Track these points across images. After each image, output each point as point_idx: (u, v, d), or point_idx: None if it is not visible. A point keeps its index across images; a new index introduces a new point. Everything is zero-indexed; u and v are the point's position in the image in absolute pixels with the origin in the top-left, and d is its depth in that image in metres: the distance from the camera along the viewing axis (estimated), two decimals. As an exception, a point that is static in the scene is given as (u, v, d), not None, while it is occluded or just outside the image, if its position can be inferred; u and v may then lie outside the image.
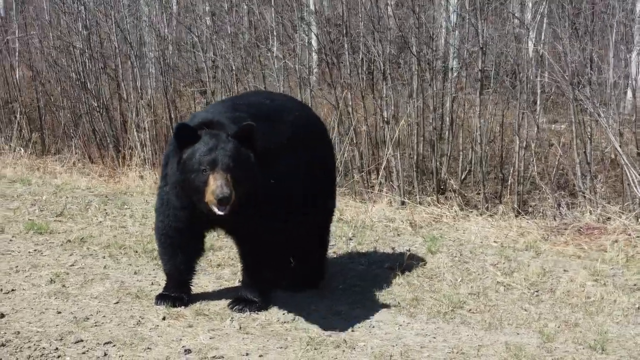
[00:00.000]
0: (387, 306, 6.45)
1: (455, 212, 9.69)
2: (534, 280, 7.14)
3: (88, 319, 5.97)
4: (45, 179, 11.34)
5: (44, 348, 5.43)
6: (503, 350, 5.62)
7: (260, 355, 5.44)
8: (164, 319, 6.02)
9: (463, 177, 10.70)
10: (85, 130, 13.25)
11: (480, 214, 9.67)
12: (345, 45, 11.08)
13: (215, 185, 5.52)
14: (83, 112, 13.22)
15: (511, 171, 10.35)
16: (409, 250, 7.95)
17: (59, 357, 5.33)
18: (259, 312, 6.18)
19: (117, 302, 6.35)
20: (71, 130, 13.50)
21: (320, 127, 7.14)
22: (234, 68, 11.86)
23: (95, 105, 13.00)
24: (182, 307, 6.24)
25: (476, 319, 6.25)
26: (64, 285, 6.69)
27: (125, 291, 6.61)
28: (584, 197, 9.51)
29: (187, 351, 5.45)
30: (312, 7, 12.20)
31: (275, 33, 12.41)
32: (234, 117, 5.96)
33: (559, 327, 6.09)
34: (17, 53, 14.54)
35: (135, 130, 12.43)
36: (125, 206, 9.54)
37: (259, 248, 6.21)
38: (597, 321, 6.23)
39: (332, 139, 10.44)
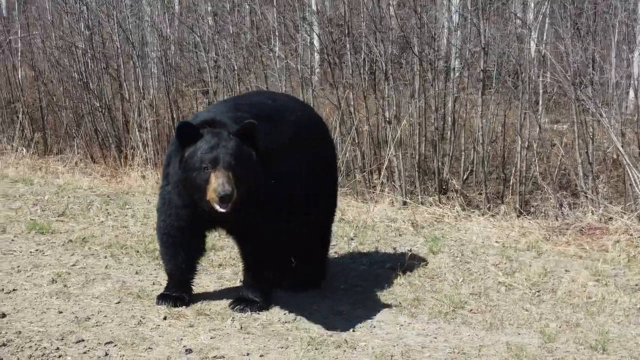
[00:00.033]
0: (388, 306, 6.45)
1: (457, 212, 9.69)
2: (535, 280, 7.14)
3: (89, 318, 5.97)
4: (48, 178, 11.35)
5: (45, 348, 5.43)
6: (504, 350, 5.62)
7: (261, 355, 5.44)
8: (165, 318, 6.02)
9: (465, 177, 10.69)
10: (88, 130, 13.25)
11: (482, 214, 9.66)
12: (347, 45, 11.09)
13: (217, 183, 5.52)
14: (85, 112, 13.23)
15: (513, 171, 10.34)
16: (411, 251, 7.95)
17: (60, 356, 5.33)
18: (260, 312, 6.18)
19: (118, 302, 6.35)
20: (73, 130, 13.51)
21: (322, 127, 7.15)
22: (236, 68, 11.86)
23: (98, 105, 13.01)
24: (183, 307, 6.25)
25: (477, 319, 6.25)
26: (65, 285, 6.69)
27: (127, 291, 6.61)
28: (586, 197, 9.51)
29: (188, 351, 5.46)
30: (314, 7, 12.20)
31: (277, 33, 12.41)
32: (235, 117, 5.96)
33: (560, 327, 6.10)
34: (19, 53, 14.55)
35: (137, 130, 12.44)
36: (127, 206, 9.54)
37: (260, 248, 6.21)
38: (599, 321, 6.24)
39: (334, 138, 10.45)
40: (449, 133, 10.81)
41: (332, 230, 7.39)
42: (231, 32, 12.15)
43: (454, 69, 11.17)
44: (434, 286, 6.99)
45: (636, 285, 7.07)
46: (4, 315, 5.96)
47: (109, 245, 7.87)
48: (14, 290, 6.57)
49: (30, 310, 6.13)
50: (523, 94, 10.16)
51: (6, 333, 5.63)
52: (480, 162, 10.54)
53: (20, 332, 5.66)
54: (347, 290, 6.92)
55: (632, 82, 10.54)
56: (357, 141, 10.91)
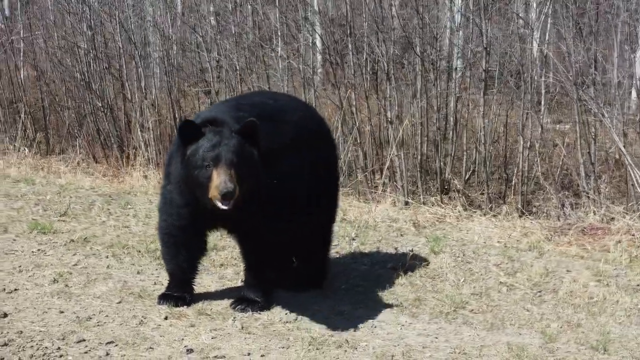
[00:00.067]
0: (389, 306, 6.45)
1: (459, 212, 9.68)
2: (536, 280, 7.14)
3: (90, 318, 5.98)
4: (49, 178, 11.35)
5: (46, 347, 5.43)
6: (505, 350, 5.62)
7: (262, 355, 5.44)
8: (166, 318, 6.02)
9: (467, 177, 10.69)
10: (90, 130, 13.26)
11: (484, 214, 9.66)
12: (349, 46, 11.09)
13: (219, 181, 5.53)
14: (87, 112, 13.24)
15: (515, 171, 10.34)
16: (412, 251, 7.94)
17: (61, 356, 5.33)
18: (261, 312, 6.18)
19: (119, 302, 6.35)
20: (75, 130, 13.53)
21: (324, 127, 7.16)
22: (238, 68, 11.86)
23: (100, 105, 13.01)
24: (185, 306, 6.24)
25: (478, 319, 6.25)
26: (66, 285, 6.69)
27: (128, 291, 6.61)
28: (588, 197, 9.50)
29: (189, 351, 5.46)
30: (316, 7, 12.20)
31: (279, 33, 12.41)
32: (237, 117, 5.96)
33: (561, 327, 6.09)
34: (21, 53, 14.56)
35: (139, 130, 12.45)
36: (129, 206, 9.55)
37: (261, 248, 6.21)
38: (600, 321, 6.23)
39: (336, 138, 10.46)
40: (451, 133, 10.81)
41: (334, 230, 7.38)
42: (233, 32, 12.15)
43: (456, 69, 11.17)
44: (435, 286, 6.99)
45: (638, 285, 7.06)
46: (5, 315, 5.96)
47: (111, 245, 7.87)
48: (15, 290, 6.56)
49: (32, 310, 6.13)
50: (525, 94, 10.16)
51: (7, 333, 5.63)
52: (482, 162, 10.54)
53: (21, 332, 5.66)
54: (348, 290, 6.92)
55: (634, 82, 10.55)
56: (359, 141, 10.91)
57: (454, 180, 10.64)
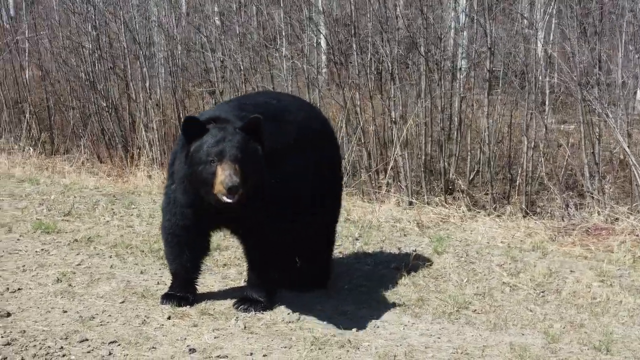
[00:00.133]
0: (392, 306, 6.44)
1: (463, 212, 9.68)
2: (540, 280, 7.13)
3: (94, 318, 5.98)
4: (54, 178, 11.38)
5: (49, 347, 5.44)
6: (507, 350, 5.61)
7: (265, 355, 5.44)
8: (169, 318, 6.03)
9: (471, 177, 10.68)
10: (94, 130, 13.30)
11: (488, 215, 9.66)
12: (354, 46, 11.09)
13: (224, 175, 5.53)
14: (92, 112, 13.28)
15: (519, 172, 10.33)
16: (415, 251, 7.94)
17: (64, 355, 5.34)
18: (264, 312, 6.18)
19: (122, 302, 6.36)
20: (80, 130, 13.56)
21: (328, 127, 7.16)
22: (242, 68, 11.87)
23: (104, 105, 13.05)
24: (188, 306, 6.25)
25: (481, 319, 6.24)
26: (70, 285, 6.70)
27: (131, 290, 6.62)
28: (592, 197, 9.49)
29: (192, 350, 5.46)
30: (320, 7, 12.20)
31: (283, 33, 12.42)
32: (240, 116, 5.96)
33: (564, 327, 6.08)
34: (26, 53, 14.60)
35: (143, 130, 12.46)
36: (133, 206, 9.56)
37: (265, 248, 6.21)
38: (603, 322, 6.22)
39: (340, 138, 10.47)
40: (455, 133, 10.80)
41: (337, 231, 7.39)
42: (238, 32, 12.16)
43: (460, 69, 11.16)
44: (438, 286, 6.98)
45: (641, 285, 7.07)
46: (8, 315, 5.97)
47: (114, 245, 7.88)
48: (19, 289, 6.58)
49: (35, 309, 6.14)
50: (529, 94, 10.15)
51: (11, 332, 5.64)
52: (486, 163, 10.54)
53: (24, 331, 5.67)
54: (351, 290, 6.92)
55: (638, 82, 10.52)
56: (363, 141, 10.91)
57: (458, 180, 10.63)
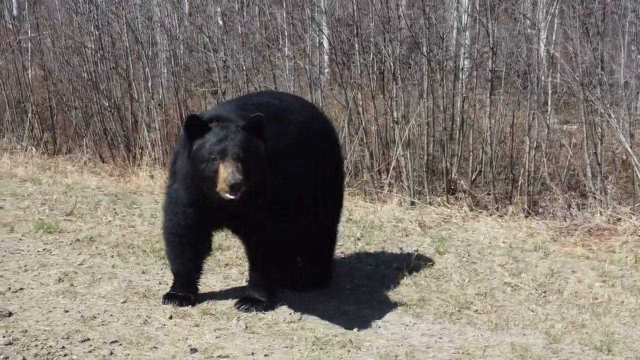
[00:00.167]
0: (394, 306, 6.45)
1: (465, 212, 9.67)
2: (541, 281, 7.13)
3: (95, 317, 5.99)
4: (56, 178, 11.38)
5: (50, 346, 5.44)
6: (509, 351, 5.61)
7: (266, 355, 5.44)
8: (170, 318, 6.03)
9: (473, 177, 10.67)
10: (97, 130, 13.31)
11: (490, 215, 9.65)
12: (356, 46, 11.09)
13: (227, 173, 5.54)
14: (94, 112, 13.28)
15: (521, 172, 10.32)
16: (417, 251, 7.95)
17: (65, 355, 5.34)
18: (266, 312, 6.19)
19: (124, 301, 6.36)
20: (82, 130, 13.57)
21: (329, 127, 7.17)
22: (244, 68, 11.87)
23: (107, 105, 13.06)
24: (189, 306, 6.25)
25: (482, 319, 6.25)
26: (72, 284, 6.71)
27: (133, 290, 6.63)
28: (595, 198, 9.48)
29: (193, 350, 5.46)
30: (322, 6, 12.19)
31: (286, 33, 12.42)
32: (242, 115, 5.96)
33: (565, 328, 6.08)
34: (29, 53, 14.61)
35: (146, 130, 12.47)
36: (135, 205, 9.56)
37: (267, 248, 6.22)
38: (604, 322, 6.22)
39: (342, 138, 10.48)
40: (457, 133, 10.79)
41: (339, 230, 7.39)
42: (240, 32, 12.16)
43: (462, 69, 11.15)
44: (440, 286, 6.99)
45: (643, 286, 7.06)
46: (10, 314, 5.98)
47: (116, 245, 7.89)
48: (20, 289, 6.59)
49: (37, 309, 6.14)
50: (532, 95, 10.15)
51: (12, 332, 5.65)
52: (488, 163, 10.53)
53: (26, 331, 5.68)
54: (353, 290, 6.92)
55: (641, 82, 10.51)
56: (365, 141, 10.90)
57: (460, 180, 10.62)
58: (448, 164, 10.56)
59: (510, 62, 11.11)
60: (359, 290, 6.91)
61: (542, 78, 10.50)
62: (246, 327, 5.90)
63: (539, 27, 10.95)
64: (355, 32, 11.03)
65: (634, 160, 9.22)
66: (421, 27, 10.73)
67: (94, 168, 12.44)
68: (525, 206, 9.85)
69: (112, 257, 7.55)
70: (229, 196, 5.56)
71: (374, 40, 11.14)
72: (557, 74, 10.93)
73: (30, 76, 14.50)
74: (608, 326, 6.12)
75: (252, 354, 5.45)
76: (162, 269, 7.16)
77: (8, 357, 5.25)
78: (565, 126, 11.92)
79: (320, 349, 5.56)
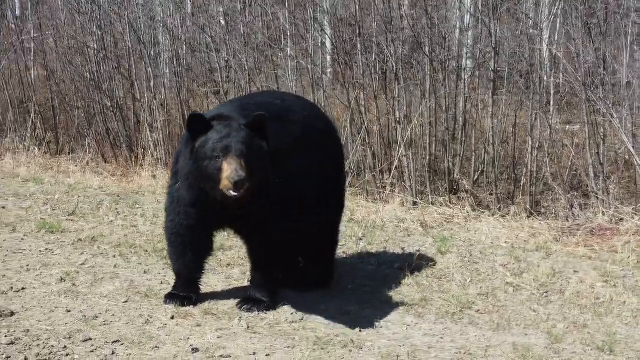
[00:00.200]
0: (395, 306, 6.45)
1: (467, 212, 9.66)
2: (543, 281, 7.12)
3: (97, 317, 5.99)
4: (58, 178, 11.39)
5: (52, 346, 5.44)
6: (510, 351, 5.61)
7: (267, 355, 5.44)
8: (172, 318, 6.03)
9: (476, 177, 10.67)
10: (99, 130, 13.32)
11: (492, 215, 9.64)
12: (358, 46, 11.09)
13: (230, 170, 5.54)
14: (97, 112, 13.30)
15: (524, 172, 10.31)
16: (419, 251, 7.94)
17: (67, 355, 5.34)
18: (267, 312, 6.19)
19: (126, 301, 6.37)
20: (85, 130, 13.58)
21: (331, 127, 7.18)
22: (247, 68, 11.87)
23: (109, 105, 13.07)
24: (191, 306, 6.25)
25: (484, 319, 6.24)
26: (74, 284, 6.71)
27: (135, 290, 6.63)
28: (597, 198, 9.47)
29: (195, 350, 5.46)
30: (325, 6, 12.19)
31: (288, 33, 12.42)
32: (244, 115, 5.97)
33: (567, 328, 6.08)
34: (32, 53, 14.63)
35: (148, 130, 12.47)
36: (137, 205, 9.57)
37: (269, 248, 6.22)
38: (606, 322, 6.22)
39: (345, 138, 10.48)
40: (459, 133, 10.78)
41: (341, 230, 7.40)
42: (242, 32, 12.16)
43: (465, 69, 11.15)
44: (442, 286, 6.99)
45: (645, 286, 7.05)
46: (12, 314, 5.98)
47: (118, 245, 7.90)
48: (23, 289, 6.59)
49: (39, 308, 6.15)
50: (534, 95, 10.14)
51: (14, 331, 5.65)
52: (491, 163, 10.53)
53: (28, 331, 5.68)
54: (355, 290, 6.92)
55: (644, 82, 10.50)
56: (367, 141, 10.90)
57: (462, 180, 10.61)
58: (450, 164, 10.55)
59: (512, 62, 11.11)
60: (361, 290, 6.91)
61: (545, 78, 10.50)
62: (248, 327, 5.90)
63: (542, 27, 10.95)
64: (357, 32, 11.03)
65: (636, 161, 9.21)
66: (423, 27, 10.72)
67: (96, 168, 12.44)
68: (528, 206, 9.84)
69: (114, 257, 7.56)
70: (232, 193, 5.56)
71: (377, 40, 11.14)
72: (559, 74, 10.93)
73: (32, 76, 14.51)
74: (610, 326, 6.12)
75: (254, 353, 5.45)
76: (164, 269, 7.16)
77: (10, 357, 5.26)
78: (567, 126, 11.91)
79: (322, 348, 5.56)
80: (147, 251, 7.70)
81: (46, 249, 7.73)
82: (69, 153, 13.53)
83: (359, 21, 11.01)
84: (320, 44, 12.66)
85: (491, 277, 7.26)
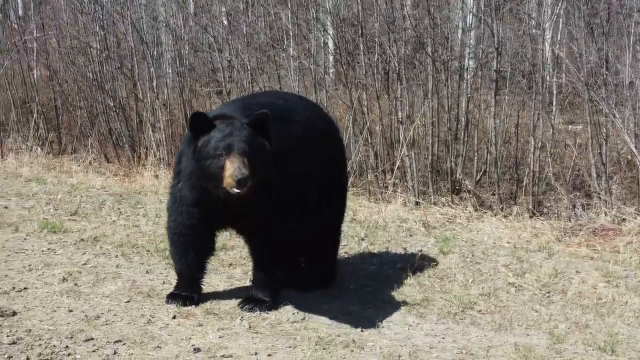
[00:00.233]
0: (397, 306, 6.44)
1: (470, 212, 9.67)
2: (545, 281, 7.12)
3: (99, 317, 5.99)
4: (61, 178, 11.39)
5: (54, 346, 5.44)
6: (512, 351, 5.61)
7: (269, 355, 5.44)
8: (174, 317, 6.03)
9: (478, 177, 10.67)
10: (102, 130, 13.33)
11: (495, 215, 9.64)
12: (361, 46, 11.08)
13: (233, 168, 5.54)
14: (99, 112, 13.32)
15: (526, 172, 10.32)
16: (421, 251, 7.94)
17: (69, 355, 5.34)
18: (269, 312, 6.18)
19: (128, 301, 6.37)
20: (87, 130, 13.59)
21: (334, 127, 7.18)
22: (249, 68, 11.87)
23: (112, 104, 13.09)
24: (193, 306, 6.25)
25: (486, 319, 6.24)
26: (76, 284, 6.71)
27: (137, 290, 6.63)
28: (599, 198, 9.47)
29: (197, 350, 5.46)
30: (327, 6, 12.20)
31: (290, 33, 12.42)
32: (246, 115, 5.98)
33: (569, 328, 6.08)
34: (34, 53, 14.64)
35: (150, 130, 12.48)
36: (139, 205, 9.57)
37: (271, 248, 6.22)
38: (608, 322, 6.22)
39: (347, 139, 10.48)
40: (462, 133, 10.79)
41: (343, 231, 7.39)
42: (245, 32, 12.17)
43: (467, 69, 11.15)
44: (444, 287, 6.98)
45: (647, 286, 7.05)
46: (14, 314, 5.98)
47: (120, 245, 7.90)
48: (25, 288, 6.59)
49: (41, 308, 6.15)
50: (537, 95, 10.14)
51: (16, 331, 5.65)
52: (493, 163, 10.53)
53: (30, 330, 5.68)
54: (357, 291, 6.92)
55: (646, 82, 10.49)
56: (370, 141, 10.90)
57: (464, 180, 10.62)
58: (453, 164, 10.56)
59: (515, 62, 11.12)
60: (363, 291, 6.91)
61: (547, 78, 10.50)
62: (250, 327, 5.90)
63: (544, 27, 10.95)
64: (360, 32, 11.03)
65: (638, 161, 9.22)
66: (426, 27, 10.73)
67: (98, 168, 12.45)
68: (530, 206, 9.85)
69: (116, 256, 7.56)
70: (235, 190, 5.56)
71: (379, 40, 11.15)
72: (562, 74, 10.93)
73: (35, 76, 14.52)
74: (612, 327, 6.12)
75: (256, 353, 5.45)
76: (166, 269, 7.16)
77: (12, 357, 5.26)
78: (570, 126, 11.91)
79: (324, 348, 5.56)
80: (149, 251, 7.70)
81: (48, 249, 7.73)
82: (71, 153, 13.55)
83: (361, 21, 11.01)
84: (322, 44, 12.66)
85: (493, 277, 7.26)
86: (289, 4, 12.47)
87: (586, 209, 9.47)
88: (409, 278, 7.08)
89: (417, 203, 10.12)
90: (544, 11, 11.80)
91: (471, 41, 11.50)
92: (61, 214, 9.12)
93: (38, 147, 13.44)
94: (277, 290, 6.36)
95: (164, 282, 6.83)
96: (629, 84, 9.88)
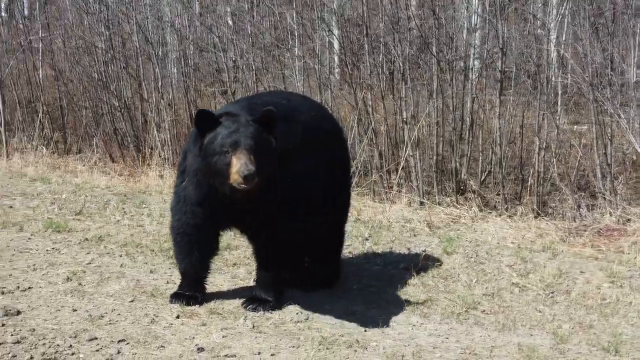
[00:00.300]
0: (401, 306, 6.44)
1: (474, 212, 9.66)
2: (549, 281, 7.11)
3: (103, 316, 6.00)
4: (66, 177, 11.42)
5: (58, 345, 5.45)
6: (515, 351, 5.60)
7: (272, 354, 5.44)
8: (178, 317, 6.04)
9: (483, 178, 10.66)
10: (107, 130, 13.37)
11: (499, 215, 9.63)
12: (366, 46, 11.08)
13: (240, 164, 5.54)
14: (104, 112, 13.34)
15: (531, 172, 10.30)
16: (425, 251, 7.94)
17: (73, 354, 5.35)
18: (273, 312, 6.18)
19: (132, 301, 6.37)
20: (92, 130, 13.62)
21: (338, 127, 7.18)
22: (254, 68, 11.88)
23: (117, 104, 13.11)
24: (196, 305, 6.26)
25: (490, 319, 6.24)
26: (80, 284, 6.72)
27: (141, 289, 6.64)
28: (604, 198, 9.46)
29: (200, 349, 5.47)
30: (332, 6, 12.19)
31: (295, 33, 12.42)
32: (251, 114, 5.97)
33: (573, 328, 6.07)
34: (40, 53, 14.67)
35: (155, 130, 12.49)
36: (144, 205, 9.59)
37: (275, 247, 6.22)
38: (612, 323, 6.21)
39: (352, 139, 10.48)
40: (467, 133, 10.77)
41: (347, 230, 7.40)
42: (250, 32, 12.17)
43: (472, 69, 11.13)
44: (447, 287, 6.98)
45: (651, 287, 7.03)
46: (18, 313, 5.99)
47: (125, 244, 7.91)
48: (29, 288, 6.60)
49: (45, 308, 6.16)
50: (541, 95, 10.13)
51: (20, 330, 5.66)
52: (498, 163, 10.52)
53: (34, 330, 5.69)
54: (360, 290, 6.92)
55: (651, 83, 10.48)
56: (374, 141, 10.90)
57: (469, 180, 10.61)
58: (457, 164, 10.55)
59: (520, 62, 11.09)
60: (367, 290, 6.91)
61: (552, 78, 10.48)
62: (253, 327, 5.90)
63: (549, 28, 10.93)
64: (364, 32, 11.03)
65: (643, 161, 9.21)
66: (431, 27, 10.72)
67: (103, 168, 12.47)
68: (535, 207, 9.83)
69: (121, 256, 7.56)
70: (242, 186, 5.56)
71: (384, 40, 11.14)
72: (567, 74, 10.92)
73: (41, 76, 14.57)
74: (616, 327, 6.11)
75: (259, 353, 5.45)
76: (170, 269, 7.17)
77: (16, 356, 5.27)
78: (575, 127, 11.88)
79: (327, 348, 5.56)
80: (153, 251, 7.71)
81: (53, 248, 7.75)
82: (76, 153, 13.58)
83: (366, 21, 11.01)
84: (327, 44, 12.66)
85: (497, 277, 7.25)
86: (294, 4, 12.46)
87: (591, 210, 9.46)
88: (412, 278, 7.08)
89: (421, 203, 10.12)
90: (549, 11, 11.77)
91: (476, 41, 11.49)
92: (66, 213, 9.14)
93: (43, 147, 13.47)
94: (281, 290, 6.36)
95: (167, 282, 6.84)
96: (634, 84, 9.87)
